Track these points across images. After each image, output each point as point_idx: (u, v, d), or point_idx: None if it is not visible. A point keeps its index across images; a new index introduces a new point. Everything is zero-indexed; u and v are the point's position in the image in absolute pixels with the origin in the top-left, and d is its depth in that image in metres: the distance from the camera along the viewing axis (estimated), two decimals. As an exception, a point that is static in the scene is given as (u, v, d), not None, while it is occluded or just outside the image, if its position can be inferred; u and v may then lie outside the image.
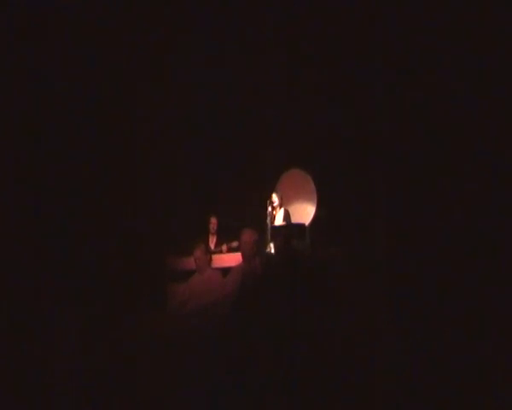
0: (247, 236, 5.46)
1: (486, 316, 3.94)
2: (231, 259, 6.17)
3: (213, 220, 7.04)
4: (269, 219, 6.73)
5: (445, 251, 4.77)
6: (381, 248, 5.27)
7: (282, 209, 6.96)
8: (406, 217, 5.27)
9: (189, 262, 5.98)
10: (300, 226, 6.75)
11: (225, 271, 5.72)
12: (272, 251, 6.30)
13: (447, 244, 4.82)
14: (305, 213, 7.44)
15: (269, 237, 6.52)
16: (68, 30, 5.13)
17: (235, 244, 6.55)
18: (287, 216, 6.93)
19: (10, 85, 4.72)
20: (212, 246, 6.90)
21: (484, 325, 3.79)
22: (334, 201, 6.95)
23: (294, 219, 7.03)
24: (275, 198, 6.89)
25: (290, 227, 6.68)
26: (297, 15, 6.79)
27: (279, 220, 6.89)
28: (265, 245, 6.41)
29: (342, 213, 6.62)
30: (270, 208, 6.79)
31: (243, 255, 5.49)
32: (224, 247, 6.79)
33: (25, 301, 4.23)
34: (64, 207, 4.97)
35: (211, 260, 5.83)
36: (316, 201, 7.46)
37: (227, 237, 6.83)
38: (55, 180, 4.97)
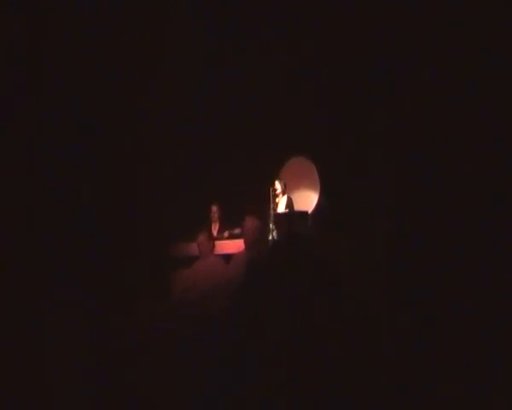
0: (250, 223, 5.44)
1: (487, 316, 3.94)
2: (234, 246, 6.19)
3: (214, 208, 7.13)
4: (272, 206, 6.78)
5: (445, 247, 4.77)
6: (381, 239, 5.27)
7: (285, 196, 7.00)
8: (407, 209, 5.28)
9: (192, 248, 5.98)
10: (303, 214, 6.79)
11: (228, 258, 5.71)
12: (275, 238, 6.34)
13: (448, 241, 4.82)
14: (308, 200, 7.49)
15: (271, 224, 6.56)
16: (68, 29, 5.13)
17: (237, 231, 6.59)
18: (289, 203, 6.98)
19: (10, 85, 4.72)
20: (214, 233, 6.94)
21: (484, 325, 3.79)
22: (337, 189, 6.98)
23: (297, 207, 7.08)
24: (277, 185, 6.94)
25: (293, 215, 6.71)
26: (297, 14, 6.80)
27: (282, 208, 6.94)
28: (268, 232, 6.44)
29: (345, 201, 6.64)
30: (272, 196, 6.85)
31: (246, 242, 5.48)
32: (226, 233, 6.84)
33: (24, 290, 4.23)
34: (65, 197, 4.98)
35: (214, 246, 5.81)
36: (319, 189, 7.50)
37: (230, 223, 6.88)
38: (56, 172, 4.97)
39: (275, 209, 6.83)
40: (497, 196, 4.82)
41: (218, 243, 6.14)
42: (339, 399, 1.73)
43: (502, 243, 4.58)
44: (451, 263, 4.60)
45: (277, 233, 6.38)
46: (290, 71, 7.20)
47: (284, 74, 7.24)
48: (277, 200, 6.93)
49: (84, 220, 5.10)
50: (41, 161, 4.90)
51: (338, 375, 1.75)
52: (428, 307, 4.08)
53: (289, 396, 1.73)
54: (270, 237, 6.43)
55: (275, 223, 6.53)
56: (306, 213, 6.92)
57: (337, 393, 1.73)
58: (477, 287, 4.25)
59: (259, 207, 6.70)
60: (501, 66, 4.94)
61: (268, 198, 6.84)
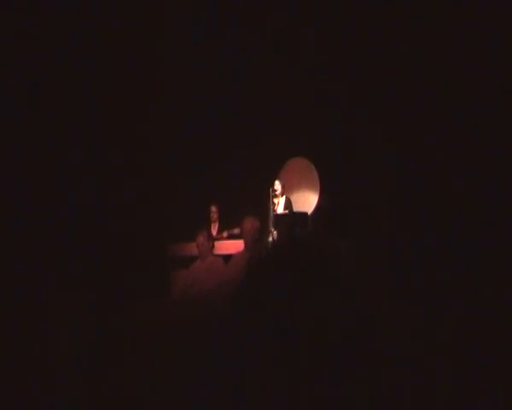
0: (249, 223, 5.46)
1: (487, 316, 3.94)
2: (233, 246, 6.20)
3: (213, 209, 7.11)
4: (271, 207, 6.77)
5: (446, 246, 4.77)
6: (383, 238, 5.27)
7: (284, 197, 6.98)
8: (407, 208, 5.28)
9: (191, 248, 5.98)
10: (303, 215, 6.78)
11: (227, 258, 5.72)
12: (275, 239, 6.33)
13: (448, 240, 4.82)
14: (307, 201, 7.47)
15: (271, 225, 6.55)
16: (68, 29, 5.13)
17: (236, 231, 6.59)
18: (288, 204, 6.96)
19: (9, 84, 4.72)
20: (214, 233, 6.93)
21: (485, 323, 3.79)
22: (337, 190, 6.98)
23: (296, 208, 7.06)
24: (277, 186, 6.91)
25: (293, 216, 6.70)
26: (296, 14, 6.81)
27: (281, 208, 6.92)
28: (267, 233, 6.43)
29: (345, 202, 6.64)
30: (272, 196, 6.84)
31: (245, 243, 5.49)
32: (225, 234, 6.83)
33: (24, 290, 4.23)
34: (65, 197, 4.98)
35: (213, 246, 5.81)
36: (318, 190, 7.49)
37: (229, 224, 6.87)
38: (56, 172, 4.97)
39: (274, 210, 6.82)
40: (497, 195, 4.83)
41: (217, 243, 6.14)
42: (338, 399, 1.74)
43: (502, 242, 4.58)
44: (452, 262, 4.60)
45: (277, 234, 6.36)
46: (290, 71, 7.21)
47: (284, 74, 7.25)
48: (276, 201, 6.91)
49: (83, 220, 5.11)
50: (42, 161, 4.91)
51: (338, 374, 1.75)
52: (429, 307, 4.08)
53: (289, 395, 1.73)
54: (270, 238, 6.42)
55: (274, 224, 6.52)
56: (306, 214, 6.91)
57: (337, 393, 1.74)
58: (478, 287, 4.26)
59: (259, 207, 6.70)
60: (501, 66, 4.94)
61: (267, 198, 6.83)
